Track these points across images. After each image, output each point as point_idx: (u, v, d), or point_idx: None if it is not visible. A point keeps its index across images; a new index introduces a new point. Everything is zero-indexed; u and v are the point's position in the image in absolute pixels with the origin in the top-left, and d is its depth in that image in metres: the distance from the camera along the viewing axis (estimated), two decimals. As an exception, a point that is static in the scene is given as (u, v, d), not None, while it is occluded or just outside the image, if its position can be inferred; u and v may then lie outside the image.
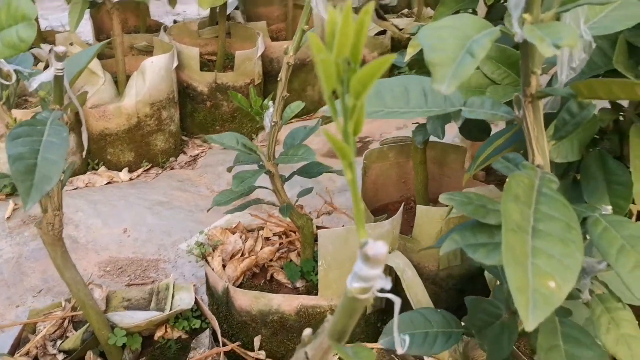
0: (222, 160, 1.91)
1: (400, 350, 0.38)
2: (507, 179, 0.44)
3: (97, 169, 1.81)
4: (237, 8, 2.29)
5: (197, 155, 1.97)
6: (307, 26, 0.87)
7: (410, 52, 1.00)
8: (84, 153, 1.74)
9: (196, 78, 1.95)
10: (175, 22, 2.35)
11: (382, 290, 0.34)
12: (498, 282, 0.83)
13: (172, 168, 1.89)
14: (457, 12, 0.96)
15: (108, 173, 1.79)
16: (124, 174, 1.80)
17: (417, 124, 1.22)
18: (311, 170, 1.02)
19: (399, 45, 2.43)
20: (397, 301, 0.34)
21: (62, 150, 0.57)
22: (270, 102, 1.00)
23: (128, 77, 1.79)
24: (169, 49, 1.84)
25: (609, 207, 0.53)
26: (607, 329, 0.52)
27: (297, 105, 1.00)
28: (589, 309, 0.63)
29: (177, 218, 1.58)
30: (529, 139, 0.52)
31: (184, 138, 2.03)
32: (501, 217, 0.41)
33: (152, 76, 1.76)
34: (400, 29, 2.49)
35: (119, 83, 1.84)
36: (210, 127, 2.03)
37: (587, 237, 0.50)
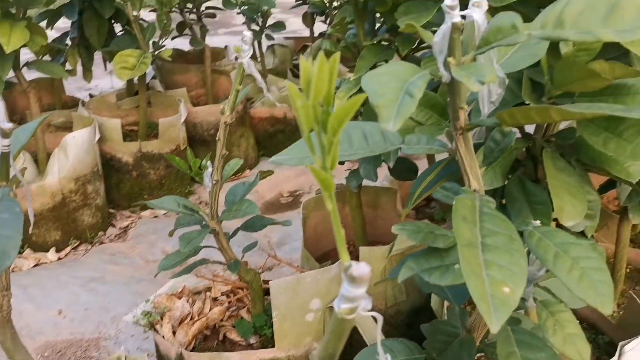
0: (153, 229, 1.88)
1: (385, 367, 0.41)
2: (454, 203, 0.49)
3: (21, 252, 1.73)
4: (154, 77, 2.31)
5: (127, 226, 1.93)
6: (240, 86, 0.91)
7: (338, 103, 1.07)
8: (31, 228, 1.66)
9: (120, 149, 1.93)
10: (90, 96, 2.34)
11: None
12: (447, 305, 0.87)
13: (102, 242, 1.84)
14: (374, 66, 1.04)
15: (34, 255, 1.71)
16: (51, 254, 1.73)
17: (348, 170, 1.28)
18: (255, 224, 1.05)
19: (316, 101, 2.53)
20: (379, 318, 0.37)
21: (16, 225, 0.57)
22: (209, 162, 1.02)
23: (48, 155, 1.75)
24: (90, 123, 1.83)
25: (538, 222, 0.60)
26: (553, 331, 0.58)
27: (235, 163, 1.03)
28: (531, 318, 0.68)
29: (114, 292, 1.53)
30: (463, 167, 0.58)
31: (111, 211, 1.99)
32: (455, 235, 0.46)
33: (75, 151, 1.73)
34: (316, 86, 2.60)
35: (39, 162, 1.79)
36: (138, 197, 2.00)
37: (526, 247, 0.55)
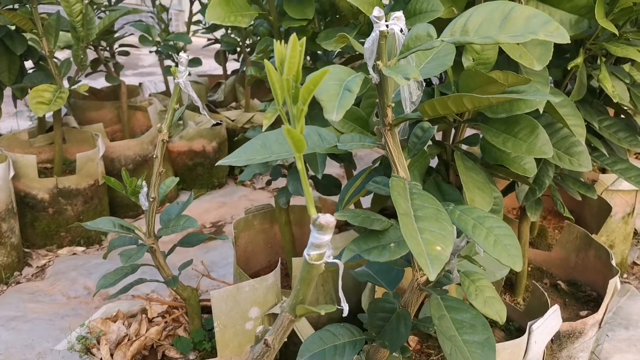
0: (73, 266, 1.84)
1: (346, 310, 0.48)
2: (390, 183, 0.58)
3: None
4: (67, 114, 2.28)
5: (45, 265, 1.86)
6: (177, 105, 0.97)
7: (266, 123, 1.14)
8: None
9: (35, 186, 1.88)
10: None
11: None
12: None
13: (19, 282, 1.76)
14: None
15: (-58, 299, 1.61)
16: (-38, 297, 1.63)
17: (277, 189, 1.34)
18: (192, 240, 1.08)
19: (233, 134, 2.59)
20: (340, 265, 0.44)
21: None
22: (144, 182, 1.05)
23: (-43, 193, 1.68)
24: (3, 159, 1.77)
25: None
26: (475, 296, 0.67)
27: (171, 181, 1.07)
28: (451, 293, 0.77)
29: (38, 329, 1.48)
30: (392, 159, 0.67)
31: (27, 250, 1.91)
32: (394, 205, 0.54)
33: (-13, 188, 1.67)
34: (232, 120, 2.67)
35: (-53, 201, 1.70)
36: (54, 234, 1.94)
37: (449, 223, 0.65)
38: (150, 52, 2.43)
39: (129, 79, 4.36)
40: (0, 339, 1.43)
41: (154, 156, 1.00)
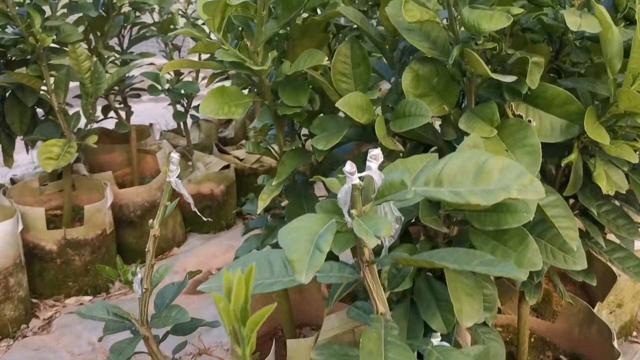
0: (79, 319, 1.85)
1: None
2: (361, 337, 0.58)
3: None
4: (78, 160, 2.31)
5: (51, 317, 1.89)
6: (168, 202, 0.97)
7: (261, 205, 1.15)
8: None
9: (43, 237, 1.91)
10: (12, 181, 2.30)
11: None
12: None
13: (25, 336, 1.79)
14: (294, 171, 1.13)
15: (-50, 356, 1.64)
16: (-31, 353, 1.66)
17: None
18: (185, 328, 1.09)
19: (242, 175, 2.61)
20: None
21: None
22: (138, 269, 1.06)
23: (-33, 247, 1.71)
24: (12, 214, 1.81)
25: (439, 336, 0.69)
26: None
27: (164, 270, 1.08)
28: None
29: (39, 392, 1.49)
30: (371, 294, 0.67)
31: (34, 300, 1.94)
32: (362, 372, 0.53)
33: (-5, 244, 1.70)
34: (241, 159, 2.68)
35: (-43, 255, 1.74)
36: (62, 284, 1.97)
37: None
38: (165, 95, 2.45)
39: (144, 104, 4.41)
40: (3, 404, 1.45)
41: (147, 250, 1.01)
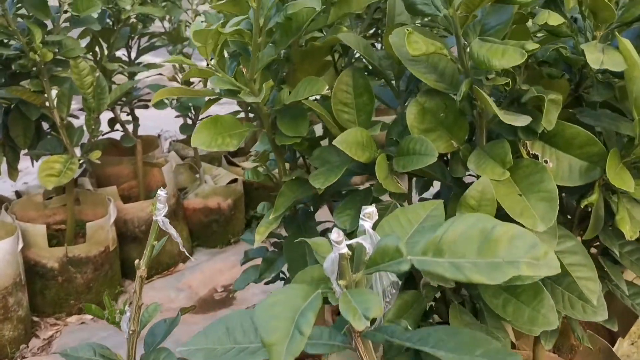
0: (79, 339, 1.81)
1: None
2: None
3: None
4: (84, 173, 2.28)
5: (51, 336, 1.85)
6: (155, 241, 0.92)
7: (258, 239, 1.08)
8: None
9: (45, 255, 1.87)
10: (17, 194, 2.27)
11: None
12: None
13: (24, 357, 1.75)
14: (295, 202, 1.06)
15: (-54, 378, 1.61)
16: (-34, 376, 1.63)
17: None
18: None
19: (250, 188, 2.55)
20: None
21: None
22: (127, 307, 1.01)
23: (-34, 266, 1.68)
24: (13, 231, 1.77)
25: None
26: None
27: (153, 308, 1.02)
28: None
29: (33, 421, 1.45)
30: (363, 366, 0.60)
31: (35, 319, 1.90)
32: None
33: (-6, 263, 1.66)
34: (251, 172, 2.62)
35: (-44, 274, 1.70)
36: (64, 302, 1.93)
37: None
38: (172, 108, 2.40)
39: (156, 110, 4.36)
40: None
41: (133, 291, 0.96)
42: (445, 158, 0.95)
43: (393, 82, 0.98)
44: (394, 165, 0.84)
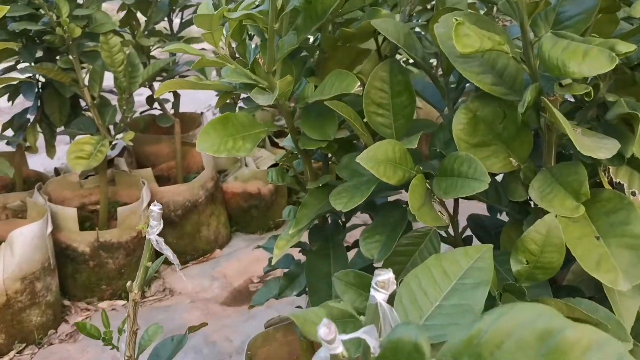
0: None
1: None
2: None
3: (-40, 358, 1.59)
4: (120, 154, 2.20)
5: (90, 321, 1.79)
6: (150, 262, 0.79)
7: (277, 254, 0.94)
8: None
9: (76, 239, 1.81)
10: (56, 171, 2.23)
11: None
12: None
13: (51, 343, 1.70)
14: (320, 213, 0.91)
15: (-27, 363, 1.58)
16: (-8, 361, 1.59)
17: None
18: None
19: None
20: None
21: None
22: (126, 326, 0.90)
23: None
24: (42, 214, 1.71)
25: None
26: None
27: (154, 330, 0.90)
28: None
29: (50, 418, 1.39)
30: None
31: (66, 303, 1.86)
32: None
33: (22, 248, 1.61)
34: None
35: (-14, 255, 1.66)
36: (95, 287, 1.87)
37: None
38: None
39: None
40: None
41: (127, 315, 0.84)
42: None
43: (441, 78, 0.80)
44: (434, 189, 0.67)
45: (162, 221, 0.75)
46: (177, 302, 1.91)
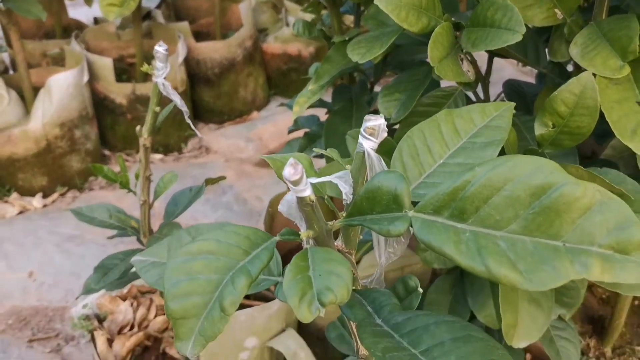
0: (145, 178, 1.80)
1: None
2: None
3: (8, 196, 1.69)
4: (158, 6, 2.13)
5: (119, 172, 1.85)
6: (158, 107, 0.76)
7: (296, 111, 0.90)
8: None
9: (113, 89, 1.81)
10: (95, 20, 2.19)
11: None
12: None
13: (92, 189, 1.78)
14: (343, 70, 0.85)
15: (20, 201, 1.67)
16: (37, 201, 1.68)
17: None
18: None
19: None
20: None
21: None
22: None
23: (36, 92, 1.65)
24: (79, 61, 1.70)
25: None
26: None
27: (169, 179, 0.90)
28: None
29: (88, 256, 1.48)
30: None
31: (106, 153, 1.91)
32: None
33: (59, 95, 1.62)
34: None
35: (27, 101, 1.70)
36: (133, 140, 1.90)
37: None
38: None
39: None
40: (53, 262, 1.46)
41: (139, 159, 0.83)
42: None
43: None
44: (461, 42, 0.60)
45: (168, 64, 0.71)
46: (212, 160, 1.93)
